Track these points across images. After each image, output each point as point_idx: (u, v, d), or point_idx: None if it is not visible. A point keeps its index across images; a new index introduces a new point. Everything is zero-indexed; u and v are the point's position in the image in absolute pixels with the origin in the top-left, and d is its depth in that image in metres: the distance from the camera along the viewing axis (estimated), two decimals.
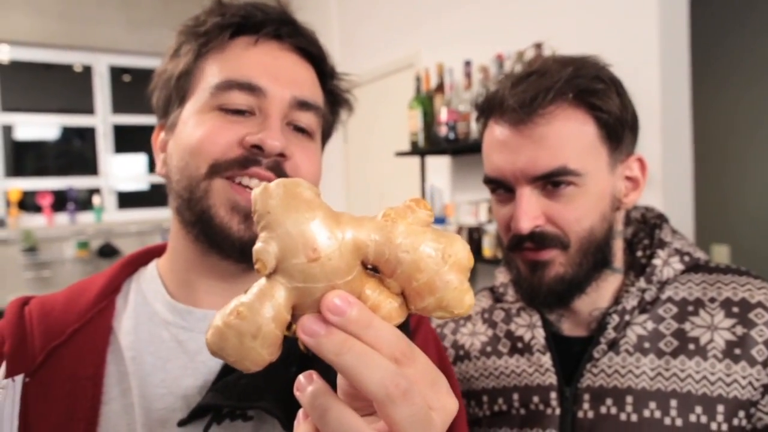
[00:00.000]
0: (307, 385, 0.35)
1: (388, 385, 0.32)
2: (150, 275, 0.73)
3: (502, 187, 0.82)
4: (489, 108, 0.82)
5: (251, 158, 0.63)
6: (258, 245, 0.34)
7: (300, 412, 0.37)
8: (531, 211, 0.78)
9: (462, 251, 0.35)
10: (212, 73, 0.66)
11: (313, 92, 0.70)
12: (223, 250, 0.64)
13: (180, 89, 0.68)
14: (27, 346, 0.63)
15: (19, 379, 0.58)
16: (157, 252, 0.77)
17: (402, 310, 0.36)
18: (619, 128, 0.79)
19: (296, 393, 0.35)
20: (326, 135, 0.76)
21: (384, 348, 0.34)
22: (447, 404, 0.36)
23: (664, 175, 2.00)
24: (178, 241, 0.70)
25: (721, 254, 3.19)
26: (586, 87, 0.77)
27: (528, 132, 0.77)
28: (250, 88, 0.64)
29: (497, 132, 0.81)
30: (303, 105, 0.67)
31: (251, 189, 0.63)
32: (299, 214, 0.33)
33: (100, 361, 0.64)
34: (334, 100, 0.75)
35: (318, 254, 0.33)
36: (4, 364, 0.61)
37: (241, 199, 0.63)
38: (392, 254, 0.34)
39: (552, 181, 0.77)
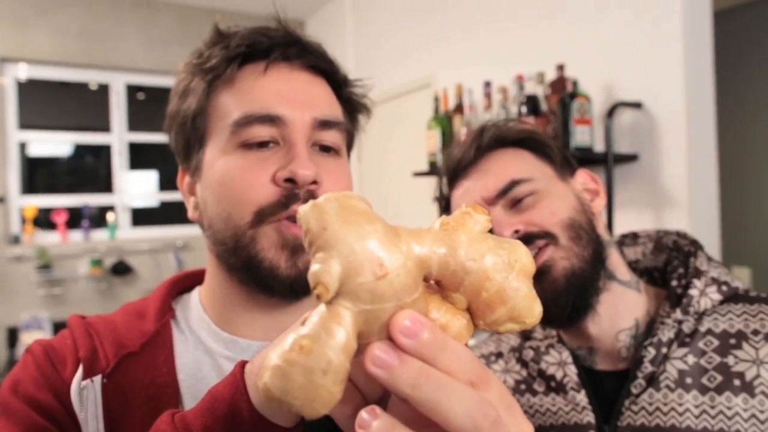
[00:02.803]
0: (371, 420, 0.31)
1: (476, 416, 0.29)
2: (194, 303, 0.73)
3: None
4: (452, 175, 0.91)
5: (290, 195, 0.62)
6: (315, 267, 0.30)
7: None
8: (505, 221, 0.82)
9: (526, 256, 0.33)
10: (228, 109, 0.64)
11: (332, 108, 0.68)
12: (273, 290, 0.63)
13: (197, 130, 0.67)
14: (98, 353, 0.64)
15: (98, 379, 0.62)
16: (197, 278, 0.76)
17: (470, 327, 0.34)
18: (547, 149, 0.88)
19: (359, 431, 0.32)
20: (350, 146, 0.75)
21: (459, 372, 0.31)
22: (525, 430, 0.33)
23: (689, 196, 1.97)
24: (219, 281, 0.69)
25: (741, 277, 3.14)
26: (513, 135, 0.89)
27: (475, 171, 0.87)
28: (269, 120, 0.63)
29: (461, 189, 0.89)
30: (325, 124, 0.66)
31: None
32: (360, 228, 0.30)
33: (173, 371, 0.65)
34: (352, 108, 0.74)
35: (385, 270, 0.30)
36: (81, 366, 0.62)
37: (288, 233, 0.62)
38: (458, 265, 0.32)
39: (511, 199, 0.83)
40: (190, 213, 0.71)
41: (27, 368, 0.63)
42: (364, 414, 0.31)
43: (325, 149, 0.67)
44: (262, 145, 0.63)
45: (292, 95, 0.64)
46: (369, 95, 0.76)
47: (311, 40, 0.69)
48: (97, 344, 0.65)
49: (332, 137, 0.67)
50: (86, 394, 0.60)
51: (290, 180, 0.61)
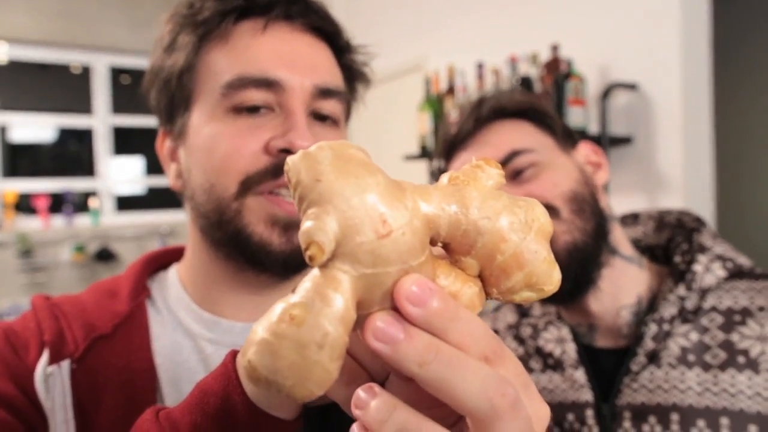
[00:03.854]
0: (369, 399, 0.27)
1: (493, 396, 0.26)
2: (171, 281, 0.67)
3: None
4: (449, 147, 0.88)
5: (281, 165, 0.56)
6: (308, 225, 0.26)
7: (355, 426, 0.29)
8: None
9: (544, 216, 0.30)
10: (220, 68, 0.59)
11: (334, 76, 0.63)
12: (265, 266, 0.59)
13: (183, 89, 0.61)
14: (65, 336, 0.58)
15: (66, 365, 0.57)
16: (175, 255, 0.71)
17: (482, 296, 0.30)
18: (548, 119, 0.85)
19: (355, 412, 0.28)
20: (348, 117, 0.70)
21: (472, 346, 0.27)
22: (542, 411, 0.30)
23: (684, 179, 1.95)
24: (202, 257, 0.64)
25: None
26: (513, 106, 0.86)
27: (474, 142, 0.84)
28: (266, 84, 0.58)
29: (459, 161, 0.86)
30: (325, 92, 0.61)
31: (287, 198, 0.58)
32: (360, 180, 0.26)
33: (149, 355, 0.60)
34: (352, 76, 0.69)
35: (389, 228, 0.26)
36: (46, 351, 0.57)
37: (279, 210, 0.57)
38: (470, 224, 0.28)
39: (512, 170, 0.80)
40: (172, 181, 0.65)
41: None
42: (361, 393, 0.28)
43: (324, 119, 0.62)
44: (255, 110, 0.58)
45: (292, 58, 0.59)
46: (370, 64, 0.71)
47: None
48: (65, 326, 0.59)
49: (332, 107, 0.62)
50: (53, 382, 0.55)
51: (286, 151, 0.57)
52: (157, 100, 0.64)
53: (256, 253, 0.58)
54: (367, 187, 0.26)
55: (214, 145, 0.58)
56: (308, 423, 0.41)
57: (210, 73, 0.60)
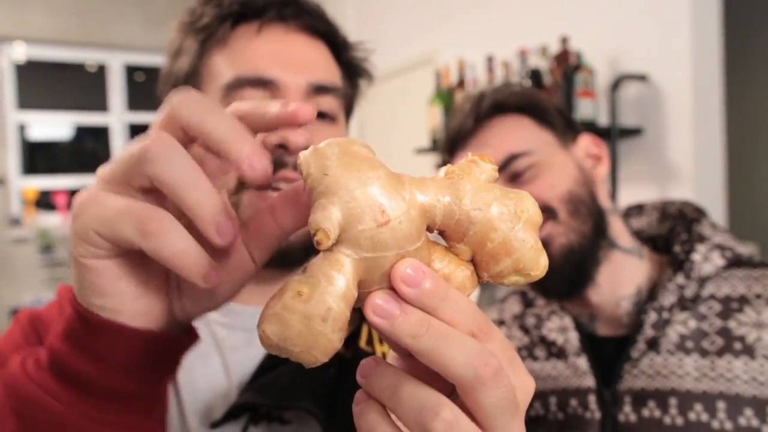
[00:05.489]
0: (372, 368, 0.32)
1: (476, 365, 0.29)
2: None
3: None
4: (451, 144, 0.89)
5: (277, 161, 0.59)
6: (316, 214, 0.29)
7: (358, 394, 0.33)
8: None
9: (533, 207, 0.32)
10: (220, 71, 0.62)
11: (329, 72, 0.66)
12: None
13: None
14: None
15: None
16: None
17: (474, 279, 0.33)
18: (548, 115, 0.85)
19: (360, 379, 0.32)
20: (349, 112, 0.72)
21: (461, 323, 0.31)
22: (526, 383, 0.33)
23: (695, 171, 1.94)
24: None
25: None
26: (513, 102, 0.86)
27: (475, 141, 0.85)
28: (261, 83, 0.60)
29: (460, 159, 0.87)
30: (320, 89, 0.63)
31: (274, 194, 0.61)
32: (362, 174, 0.29)
33: None
34: (352, 72, 0.71)
35: (387, 217, 0.29)
36: None
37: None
38: (463, 214, 0.31)
39: (510, 173, 0.81)
40: None
41: (13, 339, 0.61)
42: (365, 363, 0.32)
43: (320, 115, 0.64)
44: None
45: (286, 57, 0.62)
46: (371, 59, 0.73)
47: (310, 0, 0.67)
48: None
49: (328, 103, 0.64)
50: None
51: (281, 146, 0.59)
52: None
53: None
54: (369, 181, 0.29)
55: None
56: None
57: (212, 77, 0.63)
